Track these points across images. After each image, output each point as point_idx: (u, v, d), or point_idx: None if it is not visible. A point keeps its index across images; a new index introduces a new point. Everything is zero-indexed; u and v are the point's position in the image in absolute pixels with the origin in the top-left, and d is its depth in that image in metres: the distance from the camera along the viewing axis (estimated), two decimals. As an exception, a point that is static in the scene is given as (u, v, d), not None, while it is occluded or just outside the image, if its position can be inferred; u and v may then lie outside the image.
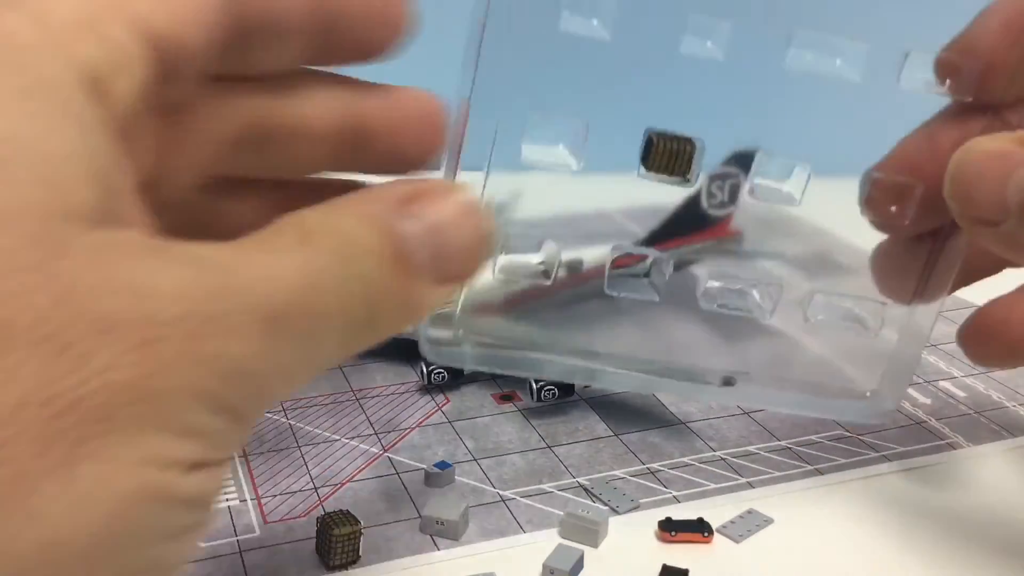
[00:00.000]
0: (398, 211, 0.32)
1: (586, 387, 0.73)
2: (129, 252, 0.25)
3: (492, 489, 0.63)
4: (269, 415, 0.71)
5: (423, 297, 0.33)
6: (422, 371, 0.74)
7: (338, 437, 0.69)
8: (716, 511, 0.60)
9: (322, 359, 0.31)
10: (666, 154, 0.61)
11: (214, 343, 0.26)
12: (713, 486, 0.64)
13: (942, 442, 0.70)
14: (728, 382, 0.70)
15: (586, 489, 0.63)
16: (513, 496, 0.63)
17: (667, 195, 1.26)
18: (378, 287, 0.31)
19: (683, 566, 0.55)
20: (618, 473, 0.65)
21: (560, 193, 1.32)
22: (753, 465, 0.66)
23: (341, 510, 0.57)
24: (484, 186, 0.55)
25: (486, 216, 0.35)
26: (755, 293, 0.44)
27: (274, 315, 0.28)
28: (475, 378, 0.76)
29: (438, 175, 0.45)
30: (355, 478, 0.64)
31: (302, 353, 0.29)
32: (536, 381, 0.71)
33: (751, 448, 0.68)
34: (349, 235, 0.30)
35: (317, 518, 0.57)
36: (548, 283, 0.57)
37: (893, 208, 0.55)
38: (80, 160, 0.26)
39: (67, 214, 0.25)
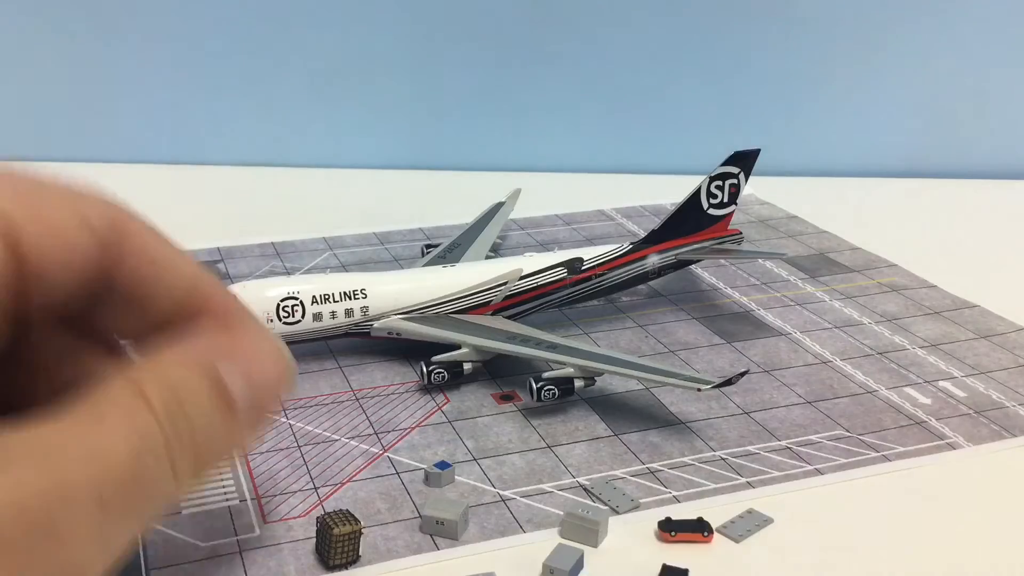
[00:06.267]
0: (217, 355, 0.37)
1: (586, 387, 0.73)
2: None
3: (492, 489, 0.63)
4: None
5: (240, 427, 0.37)
6: (422, 371, 0.74)
7: (338, 437, 0.69)
8: (716, 511, 0.60)
9: (146, 521, 0.34)
10: None
11: (48, 547, 0.29)
12: (713, 486, 0.64)
13: (942, 442, 0.70)
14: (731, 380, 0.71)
15: (586, 489, 0.63)
16: (513, 496, 0.63)
17: (667, 195, 1.26)
18: (205, 426, 0.35)
19: (683, 566, 0.55)
20: (618, 473, 0.65)
21: (560, 193, 1.33)
22: (753, 465, 0.66)
23: (341, 510, 0.57)
24: None
25: (287, 354, 0.40)
26: None
27: (104, 499, 0.31)
28: (475, 378, 0.76)
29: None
30: (355, 478, 0.64)
31: (129, 523, 0.33)
32: (536, 381, 0.71)
33: (751, 448, 0.68)
34: (178, 382, 0.35)
35: (317, 518, 0.57)
36: None
37: None
38: None
39: None
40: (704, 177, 0.91)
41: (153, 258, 0.39)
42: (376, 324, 0.79)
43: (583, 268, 0.87)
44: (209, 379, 0.36)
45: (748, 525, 0.60)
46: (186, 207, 1.17)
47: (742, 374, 0.71)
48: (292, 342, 0.77)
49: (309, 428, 0.70)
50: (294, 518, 0.60)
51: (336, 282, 0.79)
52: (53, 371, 0.41)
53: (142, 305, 0.39)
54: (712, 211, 0.93)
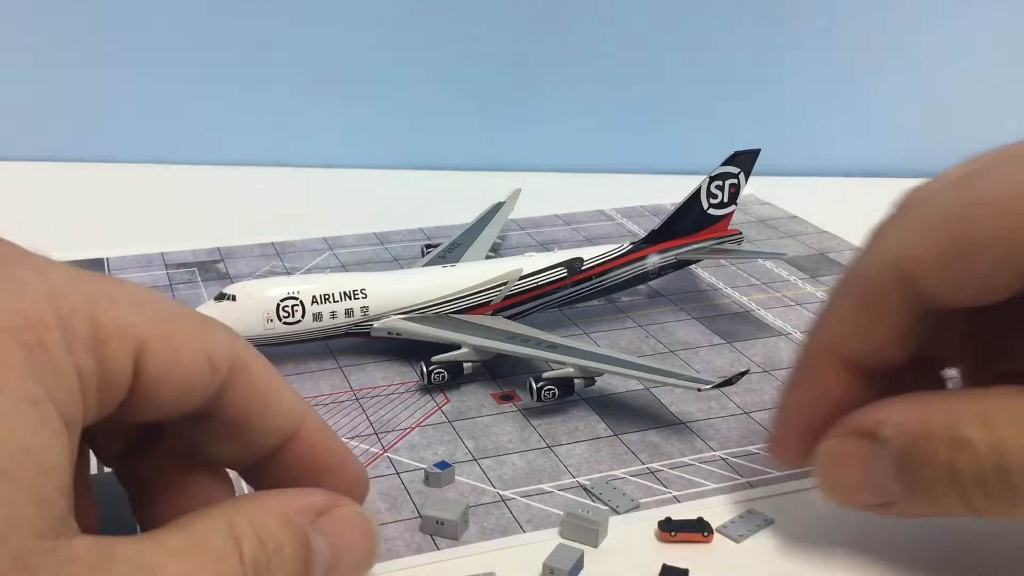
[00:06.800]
0: (314, 521, 0.39)
1: (586, 387, 0.73)
2: (79, 570, 0.31)
3: (492, 489, 0.63)
4: (269, 415, 0.71)
5: None
6: (422, 371, 0.74)
7: (338, 437, 0.69)
8: (716, 511, 0.60)
9: None
10: None
11: None
12: (713, 486, 0.64)
13: (942, 442, 0.70)
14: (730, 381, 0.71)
15: (586, 489, 0.63)
16: (513, 496, 0.63)
17: (667, 195, 1.26)
18: None
19: (683, 566, 0.55)
20: (618, 473, 0.65)
21: (560, 193, 1.33)
22: (753, 465, 0.66)
23: (341, 510, 0.57)
24: None
25: (376, 545, 0.43)
26: None
27: None
28: (475, 378, 0.76)
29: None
30: (355, 478, 0.64)
31: None
32: (536, 381, 0.71)
33: (751, 448, 0.68)
34: (270, 538, 0.37)
35: (317, 518, 0.57)
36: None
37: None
38: (63, 471, 0.32)
39: (45, 530, 0.31)
40: (704, 177, 0.91)
41: (262, 395, 0.42)
42: (376, 324, 0.79)
43: (583, 268, 0.87)
44: (299, 544, 0.38)
45: (748, 525, 0.60)
46: (186, 207, 1.17)
47: (742, 374, 0.71)
48: (292, 342, 0.77)
49: (309, 428, 0.70)
50: (294, 518, 0.60)
51: (336, 282, 0.79)
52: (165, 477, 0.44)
53: (243, 436, 0.42)
54: (712, 211, 0.93)
